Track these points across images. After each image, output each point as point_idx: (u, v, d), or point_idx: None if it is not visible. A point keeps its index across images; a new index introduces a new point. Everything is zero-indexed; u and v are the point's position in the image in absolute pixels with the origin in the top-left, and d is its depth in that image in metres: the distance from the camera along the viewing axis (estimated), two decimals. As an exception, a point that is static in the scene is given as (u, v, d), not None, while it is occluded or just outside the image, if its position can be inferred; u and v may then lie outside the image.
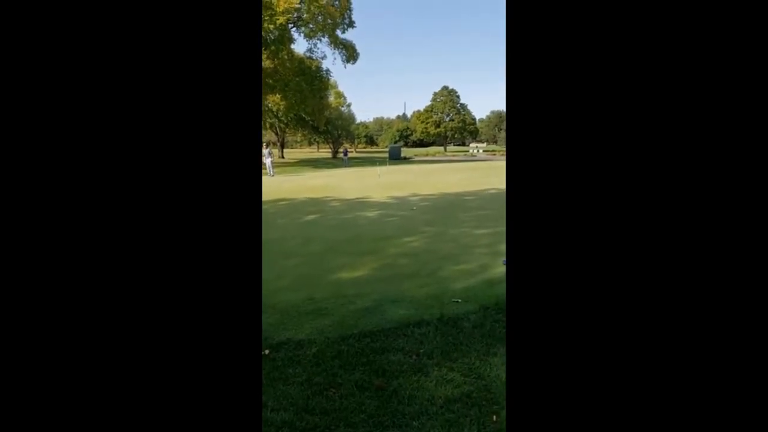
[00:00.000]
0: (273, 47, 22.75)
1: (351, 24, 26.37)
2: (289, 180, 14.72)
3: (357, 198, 8.99)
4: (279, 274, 3.82)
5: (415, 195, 9.33)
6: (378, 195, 9.39)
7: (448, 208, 7.22)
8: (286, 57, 23.53)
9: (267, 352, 2.31)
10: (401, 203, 8.12)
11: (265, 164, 18.12)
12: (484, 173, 14.84)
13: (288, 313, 2.93)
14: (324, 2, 24.00)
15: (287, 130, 41.68)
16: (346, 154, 29.14)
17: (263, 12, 20.35)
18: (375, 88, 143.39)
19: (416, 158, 37.51)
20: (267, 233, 5.57)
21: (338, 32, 25.87)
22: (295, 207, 8.06)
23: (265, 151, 17.55)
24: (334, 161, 33.52)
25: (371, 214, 6.93)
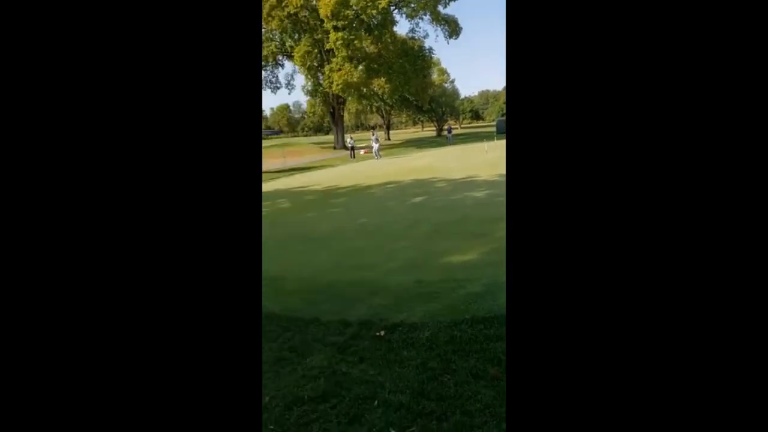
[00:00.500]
0: (376, 32, 23.06)
1: (453, -3, 25.40)
2: (394, 162, 15.00)
3: (463, 178, 8.81)
4: (389, 257, 3.95)
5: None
6: (485, 173, 9.08)
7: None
8: (389, 40, 23.67)
9: (383, 333, 2.42)
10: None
11: (372, 148, 18.77)
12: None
13: (400, 296, 3.03)
14: (425, -23, 23.51)
15: (392, 112, 42.35)
16: (450, 132, 28.38)
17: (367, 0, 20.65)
18: (479, 60, 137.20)
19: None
20: (377, 217, 5.81)
21: (440, 8, 25.18)
22: (402, 189, 8.22)
23: (372, 136, 18.07)
24: (439, 139, 33.15)
25: (479, 194, 6.74)
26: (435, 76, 41.94)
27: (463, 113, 62.20)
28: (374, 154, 18.52)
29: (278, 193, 9.47)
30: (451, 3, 25.71)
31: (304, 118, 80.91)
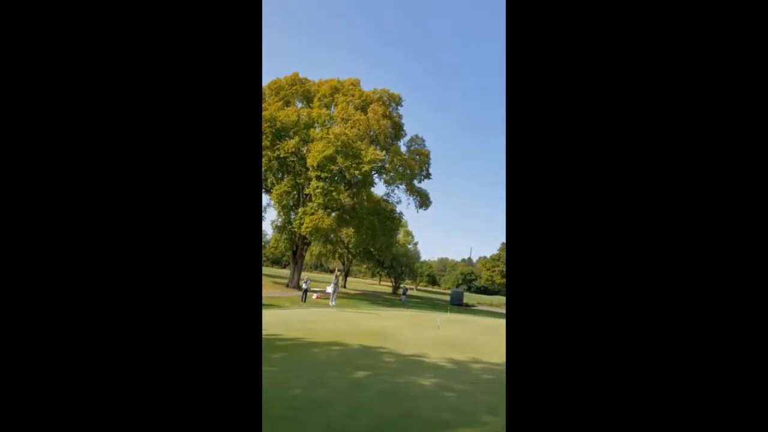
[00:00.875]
0: (355, 189, 24.94)
1: (428, 175, 28.61)
2: (345, 318, 14.50)
3: (412, 355, 8.41)
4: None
5: (476, 361, 8.54)
6: (435, 354, 8.73)
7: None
8: (364, 197, 25.47)
9: None
10: (460, 371, 7.39)
11: (329, 293, 18.39)
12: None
13: None
14: (406, 156, 26.64)
15: (353, 260, 43.15)
16: (405, 293, 28.67)
17: (352, 160, 22.87)
18: (443, 230, 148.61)
19: (478, 306, 36.06)
20: (312, 390, 5.18)
21: (415, 182, 28.03)
22: (347, 357, 7.65)
23: (333, 279, 17.88)
24: (393, 297, 33.20)
25: (426, 382, 6.30)
26: (401, 236, 44.28)
27: (421, 276, 64.04)
28: (330, 300, 18.09)
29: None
30: (425, 180, 28.59)
31: (265, 247, 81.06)
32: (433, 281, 72.12)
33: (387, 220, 27.89)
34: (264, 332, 9.15)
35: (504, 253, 60.95)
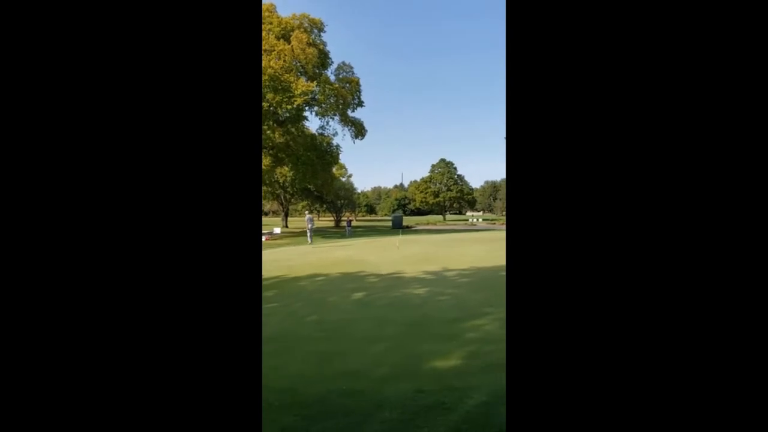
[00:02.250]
0: (288, 125, 23.95)
1: (360, 103, 28.06)
2: (308, 252, 14.77)
3: (391, 273, 9.02)
4: (375, 362, 3.77)
5: (447, 269, 9.39)
6: (410, 269, 9.44)
7: (495, 286, 7.26)
8: (296, 133, 24.62)
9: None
10: (441, 279, 8.15)
11: (275, 232, 18.20)
12: (502, 245, 15.03)
13: (409, 409, 2.87)
14: (336, 85, 25.73)
15: (291, 200, 42.53)
16: (349, 225, 29.13)
17: (282, 95, 21.68)
18: (372, 159, 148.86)
19: (418, 227, 38.02)
20: (327, 314, 5.55)
21: (348, 111, 27.46)
22: (333, 283, 8.06)
23: (307, 217, 17.94)
24: (338, 230, 33.78)
25: (418, 291, 6.94)
26: (335, 170, 44.00)
27: (359, 207, 65.08)
28: (308, 237, 18.39)
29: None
30: (358, 108, 28.08)
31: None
32: (371, 210, 73.74)
33: (325, 154, 27.47)
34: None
35: (434, 175, 63.30)
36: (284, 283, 8.34)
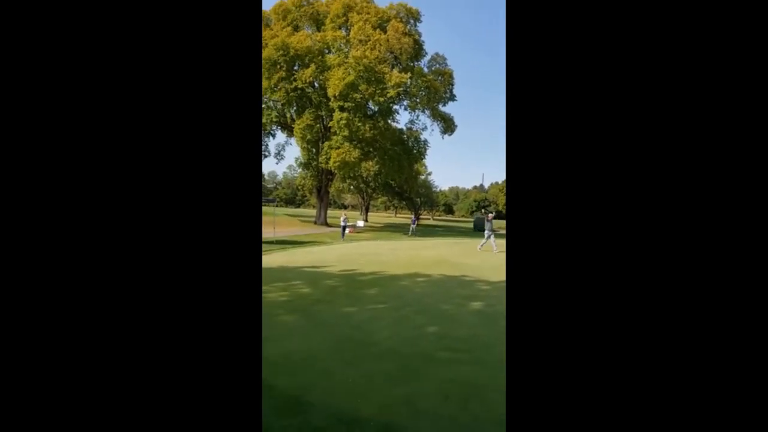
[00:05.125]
0: (379, 118, 23.51)
1: (452, 97, 26.88)
2: (397, 248, 14.03)
3: (500, 281, 7.89)
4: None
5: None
6: (522, 278, 8.23)
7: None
8: (384, 127, 23.99)
9: None
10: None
11: (359, 225, 17.31)
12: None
13: None
14: (430, 77, 24.78)
15: (373, 194, 42.54)
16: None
17: (376, 86, 21.22)
18: (448, 160, 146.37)
19: (500, 231, 35.90)
20: (451, 329, 4.62)
21: (439, 105, 26.39)
22: (440, 286, 7.13)
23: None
24: (421, 229, 33.00)
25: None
26: (416, 167, 43.23)
27: (437, 205, 63.79)
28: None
29: (287, 272, 8.11)
30: (449, 103, 26.90)
31: (278, 188, 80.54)
32: (449, 210, 72.05)
33: (411, 149, 26.67)
34: (334, 268, 8.65)
35: (519, 177, 60.04)
36: (384, 280, 7.58)
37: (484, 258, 11.65)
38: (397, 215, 58.02)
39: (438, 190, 67.03)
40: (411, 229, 22.57)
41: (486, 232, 14.34)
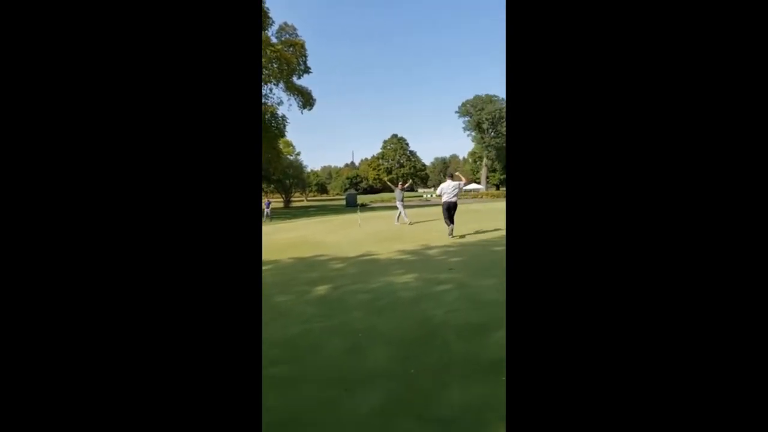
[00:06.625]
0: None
1: (306, 70, 25.38)
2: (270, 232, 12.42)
3: (360, 256, 7.11)
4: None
5: (426, 247, 7.63)
6: (381, 250, 7.58)
7: (496, 266, 5.54)
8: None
9: None
10: (425, 260, 6.33)
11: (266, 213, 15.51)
12: (474, 216, 13.52)
13: None
14: (279, 47, 22.85)
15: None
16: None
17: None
18: (318, 136, 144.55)
19: (372, 204, 36.19)
20: (279, 330, 3.52)
21: (294, 78, 24.68)
22: (287, 273, 5.97)
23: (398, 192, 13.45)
24: (288, 210, 31.35)
25: (404, 279, 5.06)
26: (281, 147, 40.88)
27: (310, 186, 62.17)
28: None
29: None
30: (304, 75, 25.36)
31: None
32: (322, 189, 70.97)
33: (270, 125, 24.61)
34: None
35: (386, 151, 61.56)
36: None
37: (349, 233, 10.86)
38: (268, 199, 54.98)
39: (310, 170, 65.19)
40: (266, 213, 20.39)
41: (397, 203, 12.98)
